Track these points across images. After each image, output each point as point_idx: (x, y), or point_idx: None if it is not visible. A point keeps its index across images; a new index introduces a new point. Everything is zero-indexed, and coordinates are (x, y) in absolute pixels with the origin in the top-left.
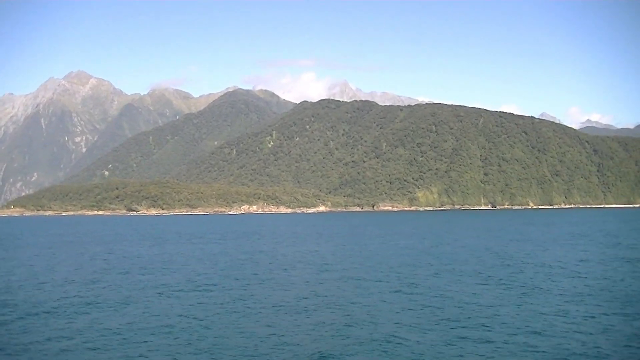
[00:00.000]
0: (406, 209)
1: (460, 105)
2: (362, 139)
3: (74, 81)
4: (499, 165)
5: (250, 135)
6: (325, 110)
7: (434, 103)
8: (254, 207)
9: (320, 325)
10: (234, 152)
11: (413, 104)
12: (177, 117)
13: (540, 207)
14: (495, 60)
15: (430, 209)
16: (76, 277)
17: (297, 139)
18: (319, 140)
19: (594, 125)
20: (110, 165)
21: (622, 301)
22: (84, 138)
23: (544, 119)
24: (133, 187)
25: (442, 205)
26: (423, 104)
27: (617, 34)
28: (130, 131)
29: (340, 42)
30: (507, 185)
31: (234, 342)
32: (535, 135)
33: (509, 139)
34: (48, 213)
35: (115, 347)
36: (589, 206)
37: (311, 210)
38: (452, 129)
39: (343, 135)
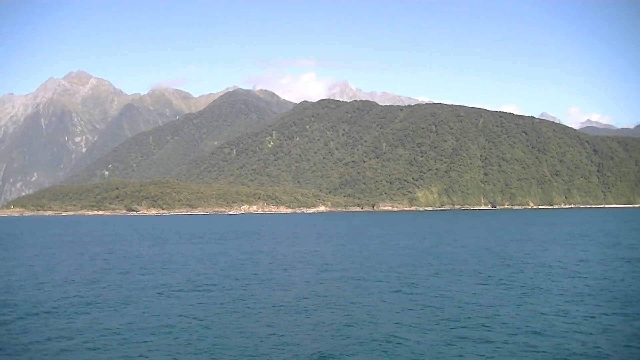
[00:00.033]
0: (406, 209)
1: (460, 105)
2: (362, 139)
3: (74, 81)
4: (499, 165)
5: (250, 135)
6: (325, 110)
7: (434, 103)
8: (254, 207)
9: (321, 325)
10: (234, 152)
11: (413, 104)
12: (177, 117)
13: (540, 207)
14: (496, 60)
15: (430, 209)
16: (76, 277)
17: (297, 139)
18: (319, 140)
19: (594, 125)
20: (110, 165)
21: (622, 301)
22: (84, 138)
23: (544, 119)
24: (133, 187)
25: (442, 205)
26: (423, 104)
27: (617, 34)
28: (130, 131)
29: (340, 42)
30: (507, 185)
31: (234, 342)
32: (535, 135)
33: (509, 139)
34: (48, 213)
35: (116, 347)
36: (589, 206)
37: (311, 210)
38: (452, 129)
39: (343, 135)
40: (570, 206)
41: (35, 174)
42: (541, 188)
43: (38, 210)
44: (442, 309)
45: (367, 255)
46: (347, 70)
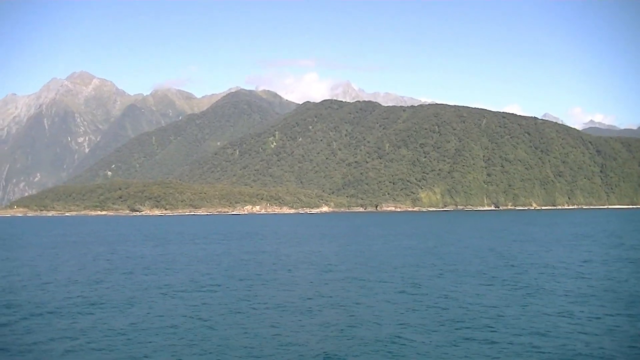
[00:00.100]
0: (409, 209)
1: (463, 106)
2: (364, 139)
3: (76, 82)
4: (502, 166)
5: (253, 135)
6: (328, 111)
7: (436, 104)
8: (257, 207)
9: (325, 326)
10: (237, 153)
11: (416, 105)
12: (180, 118)
13: (543, 207)
14: (498, 61)
15: (433, 209)
16: (79, 278)
17: (300, 139)
18: (321, 140)
19: (597, 125)
20: (113, 166)
21: (627, 302)
22: (86, 138)
23: (546, 120)
24: (136, 187)
25: (445, 206)
26: (426, 105)
27: (619, 34)
28: (133, 131)
29: (341, 42)
30: (510, 185)
31: (238, 343)
32: (538, 135)
33: (511, 140)
34: (51, 213)
35: (119, 348)
36: (592, 207)
37: (314, 210)
38: (455, 129)
39: (346, 135)
40: (573, 207)
41: (38, 174)
42: (544, 189)
43: (41, 210)
44: (447, 310)
45: (370, 256)
46: (348, 71)
